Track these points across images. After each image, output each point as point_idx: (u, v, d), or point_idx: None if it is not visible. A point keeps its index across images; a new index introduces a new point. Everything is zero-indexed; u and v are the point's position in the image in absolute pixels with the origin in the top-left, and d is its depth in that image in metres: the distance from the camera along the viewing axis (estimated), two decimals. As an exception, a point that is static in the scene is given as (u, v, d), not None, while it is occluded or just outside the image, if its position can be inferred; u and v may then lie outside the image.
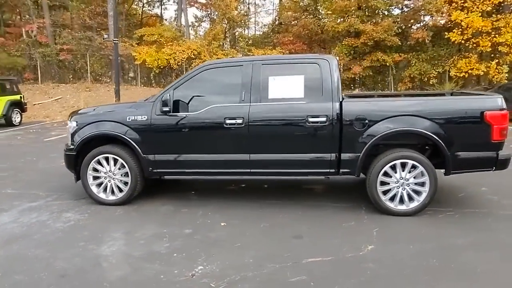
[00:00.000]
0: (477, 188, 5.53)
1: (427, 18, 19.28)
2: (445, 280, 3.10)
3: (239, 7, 23.72)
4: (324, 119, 4.46)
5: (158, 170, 4.88)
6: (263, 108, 4.61)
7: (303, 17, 20.68)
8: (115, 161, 4.92)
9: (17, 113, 14.39)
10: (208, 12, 25.71)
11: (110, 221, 4.48)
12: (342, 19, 19.11)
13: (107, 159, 4.93)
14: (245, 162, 4.68)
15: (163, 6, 27.79)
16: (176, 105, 4.75)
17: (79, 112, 5.36)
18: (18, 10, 22.92)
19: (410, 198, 4.45)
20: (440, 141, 4.29)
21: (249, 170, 4.72)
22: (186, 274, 3.24)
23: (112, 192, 4.99)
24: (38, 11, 22.92)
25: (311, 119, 4.48)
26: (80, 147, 4.99)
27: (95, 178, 4.99)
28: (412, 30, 19.66)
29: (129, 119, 4.84)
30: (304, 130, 4.51)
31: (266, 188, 5.75)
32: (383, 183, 4.47)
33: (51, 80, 21.69)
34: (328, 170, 4.58)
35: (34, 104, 18.38)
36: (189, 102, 4.74)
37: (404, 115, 4.38)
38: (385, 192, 4.48)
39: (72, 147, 5.03)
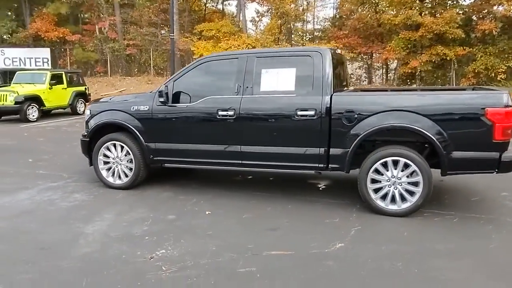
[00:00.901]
0: (496, 192, 5.06)
1: (495, 8, 17.57)
2: (398, 285, 2.93)
3: (299, 1, 23.55)
4: (312, 112, 4.37)
5: (158, 158, 5.12)
6: (254, 100, 4.63)
7: (360, 10, 19.97)
8: (122, 148, 5.24)
9: (81, 103, 15.68)
10: (269, 7, 25.81)
11: (109, 203, 4.80)
12: (400, 11, 18.13)
13: (115, 145, 5.27)
14: (237, 154, 4.74)
15: (225, 2, 28.44)
16: (176, 96, 4.94)
17: (96, 101, 5.77)
18: (93, 9, 24.89)
19: (403, 198, 4.22)
20: (434, 139, 4.00)
21: (240, 162, 4.77)
22: (146, 256, 3.40)
23: (119, 177, 5.33)
24: (110, 10, 24.67)
25: (300, 113, 4.41)
26: (93, 134, 5.39)
27: (105, 163, 5.37)
28: (478, 21, 18.07)
29: (133, 109, 5.12)
30: (293, 123, 4.46)
31: (270, 181, 5.75)
32: (374, 181, 4.29)
33: (119, 73, 23.29)
34: (317, 165, 4.48)
35: (102, 95, 19.89)
36: (187, 94, 4.91)
37: (396, 110, 4.14)
38: (376, 191, 4.30)
39: (86, 133, 5.46)
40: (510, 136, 3.92)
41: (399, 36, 18.11)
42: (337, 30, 20.43)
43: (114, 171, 5.34)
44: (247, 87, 4.66)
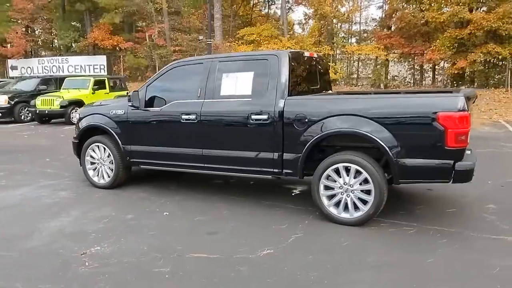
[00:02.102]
0: (481, 204, 4.66)
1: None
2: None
3: (347, 3, 23.06)
4: (266, 116, 4.32)
5: (133, 160, 5.34)
6: (213, 104, 4.68)
7: (405, 8, 19.07)
8: (104, 149, 5.53)
9: (123, 107, 16.59)
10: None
11: (84, 202, 5.09)
12: (445, 8, 17.04)
13: (99, 147, 5.58)
14: (199, 157, 4.81)
15: (271, 6, 28.59)
16: (150, 101, 5.13)
17: (88, 105, 6.15)
18: (145, 17, 26.27)
19: (356, 207, 4.04)
20: (384, 144, 3.79)
21: (202, 165, 4.84)
22: (79, 252, 3.59)
23: (103, 177, 5.63)
24: (160, 17, 25.86)
25: (254, 117, 4.39)
26: (81, 136, 5.75)
27: (91, 163, 5.70)
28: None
29: (111, 112, 5.39)
30: (249, 127, 4.44)
31: (249, 185, 5.74)
32: (328, 188, 4.15)
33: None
34: (272, 170, 4.42)
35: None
36: (159, 98, 5.08)
37: (344, 115, 3.99)
38: (331, 198, 4.15)
39: (75, 136, 5.84)
40: (465, 143, 3.61)
41: (444, 35, 17.04)
42: (380, 31, 19.71)
43: (99, 171, 5.65)
44: (208, 91, 4.73)
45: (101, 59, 27.03)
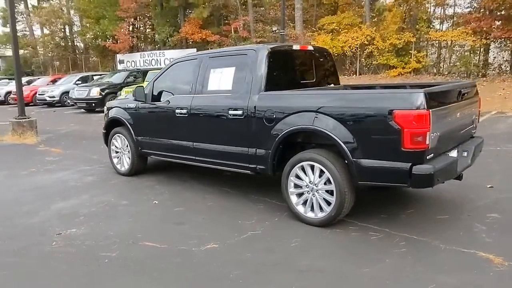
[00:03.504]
0: (484, 213, 4.09)
1: None
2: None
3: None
4: (240, 112, 4.33)
5: (143, 150, 5.75)
6: (200, 99, 4.81)
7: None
8: (123, 140, 6.05)
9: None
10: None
11: (99, 187, 5.64)
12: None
13: (120, 138, 6.11)
14: (191, 150, 5.01)
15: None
16: (156, 95, 5.46)
17: (117, 98, 6.72)
18: (231, 10, 27.13)
19: (322, 207, 3.87)
20: (341, 143, 3.56)
21: (194, 157, 5.03)
22: (58, 232, 4.05)
23: (124, 165, 6.16)
24: (245, 10, 26.45)
25: (231, 112, 4.42)
26: (107, 127, 6.34)
27: (116, 152, 6.27)
28: None
29: (127, 106, 5.86)
30: (228, 122, 4.49)
31: (250, 178, 5.75)
32: (297, 186, 4.04)
33: (248, 70, 24.87)
34: (248, 165, 4.42)
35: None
36: (163, 93, 5.38)
37: (307, 111, 3.81)
38: (300, 196, 4.04)
39: (103, 126, 6.46)
40: (424, 145, 3.21)
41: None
42: (468, 14, 17.58)
43: (121, 160, 6.19)
44: (198, 86, 4.87)
45: (192, 52, 28.67)
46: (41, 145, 9.30)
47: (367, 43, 19.33)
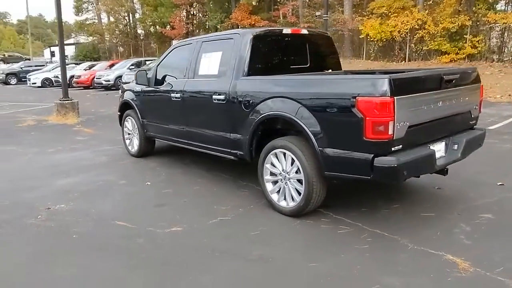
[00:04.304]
0: (477, 213, 3.75)
1: None
2: (131, 264, 2.93)
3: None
4: (222, 97, 4.28)
5: (148, 133, 5.90)
6: (191, 84, 4.82)
7: None
8: (133, 123, 6.24)
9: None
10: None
11: (107, 166, 5.90)
12: None
13: (131, 120, 6.32)
14: (184, 133, 5.06)
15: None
16: (159, 79, 5.55)
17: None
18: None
19: (293, 197, 3.76)
20: (308, 131, 3.41)
21: (187, 141, 5.08)
22: (48, 207, 4.30)
23: (134, 146, 6.38)
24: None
25: (214, 97, 4.39)
26: (120, 110, 6.57)
27: (128, 134, 6.50)
28: None
29: (135, 89, 6.02)
30: (213, 107, 4.46)
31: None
32: (272, 174, 3.95)
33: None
34: (230, 151, 4.38)
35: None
36: (161, 77, 5.45)
37: (278, 97, 3.68)
38: (275, 183, 3.95)
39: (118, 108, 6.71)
40: (386, 135, 2.97)
41: None
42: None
43: (132, 141, 6.41)
44: (191, 71, 4.88)
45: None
46: (78, 126, 9.90)
47: (417, 27, 18.16)
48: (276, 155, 3.81)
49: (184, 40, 5.49)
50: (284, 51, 4.60)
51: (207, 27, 33.52)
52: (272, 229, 3.58)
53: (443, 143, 3.60)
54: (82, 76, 23.12)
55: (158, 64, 5.58)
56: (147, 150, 6.23)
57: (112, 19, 45.73)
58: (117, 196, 4.61)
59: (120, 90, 6.80)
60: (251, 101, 3.96)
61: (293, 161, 3.64)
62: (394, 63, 19.04)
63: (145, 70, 5.62)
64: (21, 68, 31.45)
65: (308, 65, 4.76)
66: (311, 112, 3.38)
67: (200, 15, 36.48)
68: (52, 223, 3.87)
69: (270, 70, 4.33)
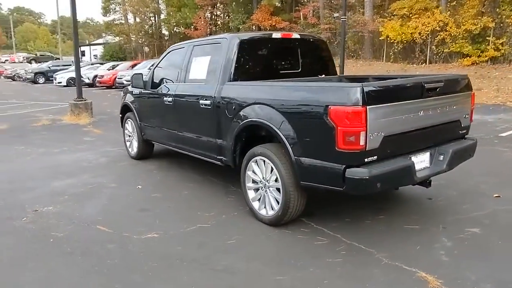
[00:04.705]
0: (464, 226, 3.57)
1: None
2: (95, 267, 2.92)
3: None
4: (209, 102, 4.25)
5: (145, 136, 5.93)
6: (182, 88, 4.80)
7: None
8: (132, 125, 6.29)
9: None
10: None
11: (105, 168, 5.96)
12: None
13: (130, 122, 6.37)
14: (176, 137, 5.06)
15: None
16: (155, 82, 5.57)
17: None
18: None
19: (272, 205, 3.68)
20: (284, 139, 3.32)
21: (179, 145, 5.07)
22: (36, 208, 4.35)
23: (133, 149, 6.43)
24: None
25: (201, 101, 4.36)
26: (122, 112, 6.63)
27: (128, 136, 6.56)
28: None
29: (134, 92, 6.06)
30: (200, 112, 4.43)
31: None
32: (254, 181, 3.88)
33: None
34: (217, 156, 4.34)
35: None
36: (157, 80, 5.47)
37: (257, 104, 3.62)
38: (257, 191, 3.88)
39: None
40: (358, 146, 2.86)
41: None
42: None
43: (132, 143, 6.47)
44: (182, 75, 4.87)
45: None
46: (89, 126, 10.09)
47: (439, 29, 17.63)
48: (257, 163, 3.74)
49: (179, 43, 5.48)
50: (274, 56, 4.52)
51: (229, 28, 33.64)
52: (248, 238, 3.51)
53: (428, 153, 3.44)
54: (104, 76, 23.59)
55: (155, 67, 5.60)
56: (145, 152, 6.26)
57: (138, 19, 46.58)
58: (104, 199, 4.63)
59: (122, 92, 6.86)
60: (233, 107, 3.91)
61: (272, 169, 3.57)
62: (414, 65, 18.56)
63: (141, 73, 5.64)
64: (49, 67, 32.40)
65: (299, 70, 4.66)
66: (288, 120, 3.30)
67: (223, 16, 36.67)
68: (34, 225, 3.91)
69: (258, 76, 4.27)
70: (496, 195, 4.30)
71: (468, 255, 3.09)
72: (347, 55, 22.93)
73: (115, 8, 49.78)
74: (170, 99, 4.96)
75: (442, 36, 17.47)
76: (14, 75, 34.86)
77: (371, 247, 3.23)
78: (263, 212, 3.75)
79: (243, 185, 3.94)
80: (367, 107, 2.82)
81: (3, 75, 38.89)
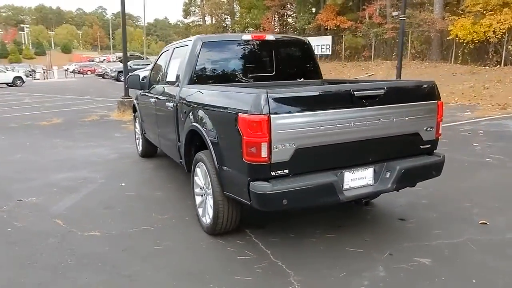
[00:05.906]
0: (413, 255, 3.13)
1: None
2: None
3: None
4: (172, 104, 4.22)
5: (145, 135, 6.08)
6: (160, 89, 4.84)
7: None
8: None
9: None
10: None
11: (106, 163, 6.25)
12: None
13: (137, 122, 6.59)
14: (158, 139, 5.11)
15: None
16: (150, 83, 5.67)
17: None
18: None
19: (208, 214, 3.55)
20: (210, 146, 3.18)
21: (162, 147, 5.12)
22: (21, 198, 4.66)
23: (140, 147, 6.64)
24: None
25: (167, 104, 4.35)
26: (134, 111, 6.86)
27: (138, 134, 6.78)
28: None
29: (139, 92, 6.23)
30: (167, 114, 4.42)
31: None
32: (200, 187, 3.78)
33: (380, 58, 23.18)
34: (179, 160, 4.30)
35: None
36: (152, 81, 5.57)
37: (198, 108, 3.51)
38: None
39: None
40: (259, 158, 2.62)
41: None
42: None
43: (139, 142, 6.68)
44: (163, 76, 4.91)
45: (327, 39, 28.10)
46: (128, 123, 10.59)
47: (517, 27, 15.78)
48: (200, 168, 3.64)
49: (168, 45, 5.53)
50: (244, 59, 4.36)
51: (296, 28, 33.42)
52: (177, 245, 3.42)
53: (371, 169, 3.07)
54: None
55: (152, 68, 5.72)
56: (148, 151, 6.42)
57: (214, 21, 48.23)
58: (83, 194, 4.82)
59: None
60: (184, 111, 3.84)
61: (208, 176, 3.44)
62: (486, 67, 16.81)
63: (138, 75, 5.79)
64: (131, 66, 34.84)
65: (273, 74, 4.44)
66: (214, 126, 3.16)
67: (290, 16, 36.53)
68: (6, 214, 4.20)
69: (224, 79, 4.16)
70: (483, 221, 3.71)
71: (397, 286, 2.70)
72: (412, 56, 21.56)
73: (194, 11, 52.11)
74: (153, 100, 5.04)
75: (518, 36, 15.64)
76: (104, 73, 37.90)
77: (292, 268, 2.97)
78: (203, 219, 3.64)
79: (192, 190, 3.86)
80: (271, 115, 2.58)
81: (95, 73, 42.74)
